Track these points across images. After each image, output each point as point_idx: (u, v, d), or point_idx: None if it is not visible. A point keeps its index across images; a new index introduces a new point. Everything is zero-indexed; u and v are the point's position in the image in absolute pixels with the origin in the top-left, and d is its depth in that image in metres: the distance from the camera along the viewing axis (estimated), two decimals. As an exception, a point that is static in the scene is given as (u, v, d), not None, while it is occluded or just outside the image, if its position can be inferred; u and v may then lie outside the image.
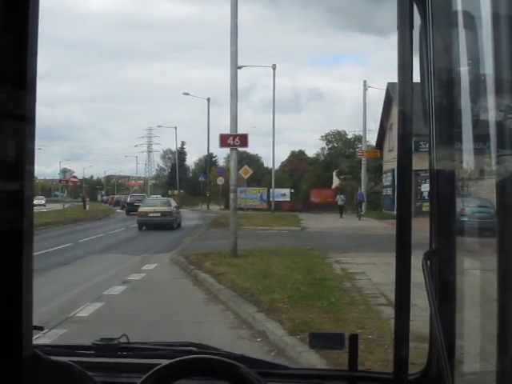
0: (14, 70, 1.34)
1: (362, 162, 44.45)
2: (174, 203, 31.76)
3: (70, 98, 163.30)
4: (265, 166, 71.10)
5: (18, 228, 1.35)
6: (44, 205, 53.08)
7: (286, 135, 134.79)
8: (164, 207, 29.67)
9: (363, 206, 40.70)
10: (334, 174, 56.47)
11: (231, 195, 16.32)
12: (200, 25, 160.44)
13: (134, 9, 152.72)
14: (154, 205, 29.89)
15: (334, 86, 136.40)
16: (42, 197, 66.55)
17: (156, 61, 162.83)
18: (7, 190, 1.34)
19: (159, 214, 28.51)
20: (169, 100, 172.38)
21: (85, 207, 50.91)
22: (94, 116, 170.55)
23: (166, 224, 28.07)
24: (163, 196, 48.39)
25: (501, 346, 1.62)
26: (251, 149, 78.19)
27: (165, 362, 1.75)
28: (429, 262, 1.72)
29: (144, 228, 28.25)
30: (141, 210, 29.77)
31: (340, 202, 41.30)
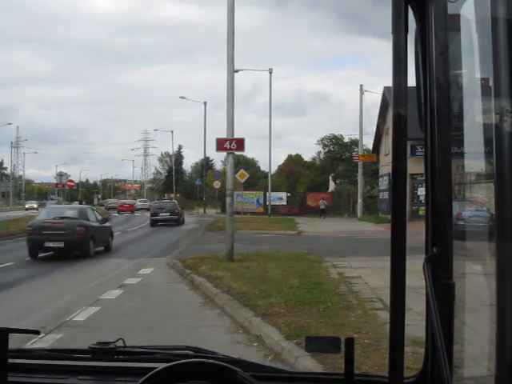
0: None
1: (359, 166, 44.52)
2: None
3: (69, 101, 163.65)
4: (261, 169, 71.14)
5: None
6: (36, 208, 55.46)
7: (286, 139, 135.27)
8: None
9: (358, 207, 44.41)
10: (331, 177, 56.55)
11: (228, 199, 16.28)
12: (201, 28, 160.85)
13: (135, 14, 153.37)
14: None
15: (336, 90, 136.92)
16: (34, 201, 77.30)
17: (157, 64, 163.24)
18: None
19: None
20: (169, 103, 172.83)
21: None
22: (92, 119, 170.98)
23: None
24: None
25: (499, 351, 1.62)
26: (248, 153, 78.25)
27: (161, 365, 1.75)
28: (429, 267, 1.72)
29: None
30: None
31: (322, 206, 47.28)
